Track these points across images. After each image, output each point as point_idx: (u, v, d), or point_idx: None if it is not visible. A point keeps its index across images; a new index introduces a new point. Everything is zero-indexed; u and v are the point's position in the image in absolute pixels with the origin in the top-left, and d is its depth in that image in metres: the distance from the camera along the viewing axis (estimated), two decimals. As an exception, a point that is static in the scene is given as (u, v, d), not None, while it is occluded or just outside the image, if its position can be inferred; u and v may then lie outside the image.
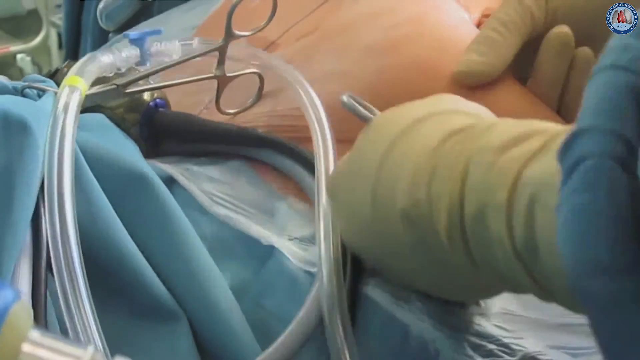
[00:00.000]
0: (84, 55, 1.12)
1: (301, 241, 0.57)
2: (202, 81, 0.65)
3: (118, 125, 0.63)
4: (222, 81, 0.66)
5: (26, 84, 0.59)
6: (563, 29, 0.62)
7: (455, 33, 0.65)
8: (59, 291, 0.46)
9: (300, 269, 0.55)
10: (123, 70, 0.62)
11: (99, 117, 0.62)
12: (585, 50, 0.63)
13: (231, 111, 0.67)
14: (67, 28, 1.18)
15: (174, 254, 0.54)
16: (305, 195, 0.60)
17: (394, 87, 0.61)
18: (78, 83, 0.55)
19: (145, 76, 0.62)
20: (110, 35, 1.07)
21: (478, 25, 0.69)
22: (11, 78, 0.62)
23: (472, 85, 0.62)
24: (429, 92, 0.51)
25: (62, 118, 0.51)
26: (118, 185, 0.55)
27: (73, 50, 1.18)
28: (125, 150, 0.59)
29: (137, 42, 0.63)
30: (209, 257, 0.55)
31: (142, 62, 0.63)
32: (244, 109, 0.67)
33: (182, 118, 0.65)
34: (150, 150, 0.65)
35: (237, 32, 0.64)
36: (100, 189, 0.54)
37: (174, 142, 0.66)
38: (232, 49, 0.65)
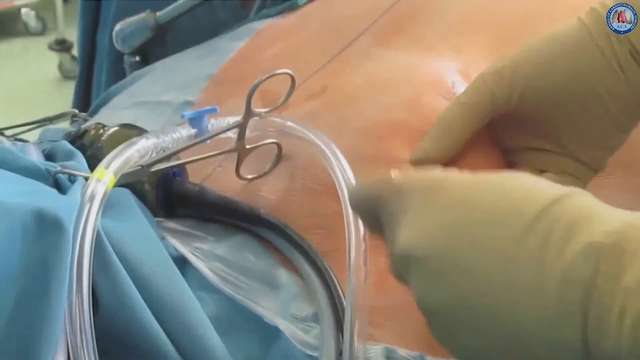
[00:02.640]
0: (98, 74, 1.16)
1: (304, 321, 0.60)
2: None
3: (137, 189, 0.67)
4: (242, 152, 0.69)
5: (59, 169, 0.62)
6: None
7: None
8: None
9: (304, 355, 0.59)
10: (170, 150, 0.65)
11: (124, 197, 0.65)
12: (550, 177, 0.63)
13: (249, 177, 0.70)
14: (82, 45, 1.20)
15: (189, 334, 0.58)
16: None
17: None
18: (104, 177, 0.58)
19: (169, 156, 0.65)
20: (125, 57, 1.10)
21: None
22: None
23: None
24: None
25: (86, 211, 0.53)
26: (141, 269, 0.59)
27: (88, 66, 1.21)
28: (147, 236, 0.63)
29: (194, 120, 0.66)
30: (217, 338, 0.59)
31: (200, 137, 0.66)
32: (260, 175, 0.70)
33: (197, 190, 0.68)
34: (166, 214, 0.69)
35: (256, 110, 0.67)
36: (126, 274, 0.57)
37: (188, 209, 0.69)
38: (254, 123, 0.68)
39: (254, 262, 0.64)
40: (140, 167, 0.64)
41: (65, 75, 3.15)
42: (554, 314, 0.40)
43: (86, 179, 0.58)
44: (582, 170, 0.66)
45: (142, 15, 1.05)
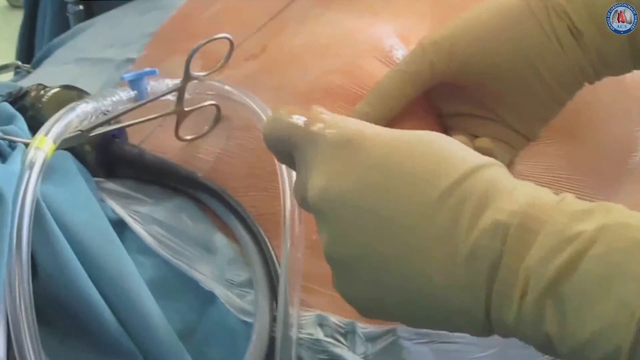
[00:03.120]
0: (41, 23, 1.15)
1: (240, 286, 0.63)
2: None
3: (77, 151, 0.68)
4: (181, 115, 0.70)
5: None
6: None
7: None
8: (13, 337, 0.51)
9: (238, 320, 0.61)
10: (110, 112, 0.66)
11: (64, 160, 0.66)
12: (482, 142, 0.67)
13: (188, 137, 0.72)
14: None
15: (126, 299, 0.60)
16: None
17: None
18: (44, 144, 0.59)
19: (109, 120, 0.66)
20: (69, 5, 1.10)
21: None
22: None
23: None
24: None
25: (25, 180, 0.54)
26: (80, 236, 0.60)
27: (32, 13, 1.20)
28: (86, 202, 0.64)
29: (134, 82, 0.68)
30: (154, 303, 0.61)
31: (140, 99, 0.68)
32: (199, 136, 0.72)
33: (136, 152, 0.70)
34: (106, 174, 0.70)
35: (195, 74, 0.68)
36: (65, 241, 0.58)
37: (128, 170, 0.71)
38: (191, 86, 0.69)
39: (192, 226, 0.66)
40: (80, 131, 0.65)
41: (12, 5, 3.09)
42: (461, 286, 0.44)
43: (26, 145, 0.60)
44: (516, 138, 0.68)
45: (85, -36, 1.05)
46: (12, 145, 0.63)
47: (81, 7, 1.09)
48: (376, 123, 0.64)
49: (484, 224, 0.43)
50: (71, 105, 0.63)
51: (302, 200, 0.51)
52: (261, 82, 0.72)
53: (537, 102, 0.66)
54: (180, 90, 0.69)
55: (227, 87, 0.69)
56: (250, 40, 0.79)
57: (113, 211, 0.67)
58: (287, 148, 0.52)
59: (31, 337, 0.51)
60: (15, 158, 0.61)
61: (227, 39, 0.68)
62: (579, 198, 0.44)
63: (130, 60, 0.83)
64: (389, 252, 0.46)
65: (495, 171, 0.46)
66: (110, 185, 0.69)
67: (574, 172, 0.72)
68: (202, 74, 0.69)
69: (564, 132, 0.73)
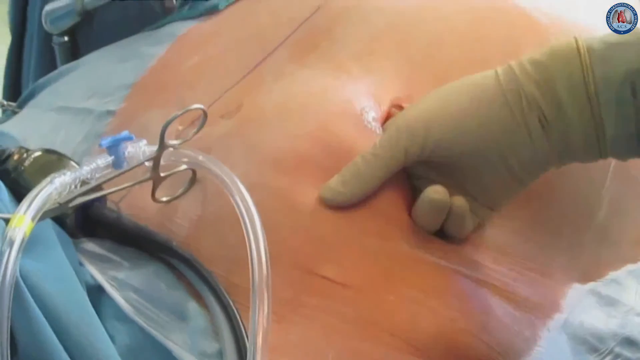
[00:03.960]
0: (28, 51, 1.17)
1: (211, 357, 0.65)
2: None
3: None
4: (157, 180, 0.73)
5: (-24, 210, 0.65)
6: (437, 192, 0.69)
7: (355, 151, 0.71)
8: None
9: None
10: (92, 181, 0.69)
11: (42, 230, 0.68)
12: (459, 201, 0.69)
13: (164, 199, 0.74)
14: (13, 17, 1.21)
15: None
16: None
17: None
18: (22, 224, 0.61)
19: (86, 192, 0.69)
20: (54, 37, 1.12)
21: (386, 119, 0.76)
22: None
23: None
24: None
25: (4, 261, 0.57)
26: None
27: (19, 39, 1.22)
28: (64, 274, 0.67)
29: (112, 149, 0.70)
30: None
31: (117, 166, 0.70)
32: (174, 198, 0.74)
33: (115, 217, 0.72)
34: (84, 235, 0.73)
35: (170, 142, 0.71)
36: (44, 320, 0.61)
37: (106, 232, 0.73)
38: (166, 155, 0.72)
39: (167, 292, 0.69)
40: (58, 204, 0.67)
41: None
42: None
43: (6, 221, 0.62)
44: (481, 209, 0.71)
45: (69, -1, 1.06)
46: (-7, 219, 0.65)
47: (66, 38, 1.10)
48: (349, 203, 0.67)
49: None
50: (49, 178, 0.66)
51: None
52: (234, 145, 0.75)
53: (501, 182, 0.69)
54: (155, 159, 0.71)
55: (200, 157, 0.71)
56: (226, 96, 0.81)
57: (92, 277, 0.69)
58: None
59: None
60: None
61: (201, 109, 0.71)
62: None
63: (110, 113, 0.85)
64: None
65: None
66: (89, 245, 0.72)
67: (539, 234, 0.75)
68: (176, 142, 0.71)
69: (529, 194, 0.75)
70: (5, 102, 0.96)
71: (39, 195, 0.63)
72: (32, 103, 0.97)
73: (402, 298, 0.68)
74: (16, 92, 1.20)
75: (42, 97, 0.96)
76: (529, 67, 0.67)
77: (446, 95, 0.69)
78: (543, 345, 0.71)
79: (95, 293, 0.68)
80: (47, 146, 0.79)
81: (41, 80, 1.00)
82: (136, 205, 0.75)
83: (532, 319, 0.72)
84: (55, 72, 1.01)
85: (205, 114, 0.71)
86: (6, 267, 0.57)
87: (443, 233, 0.72)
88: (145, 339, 0.67)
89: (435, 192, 0.69)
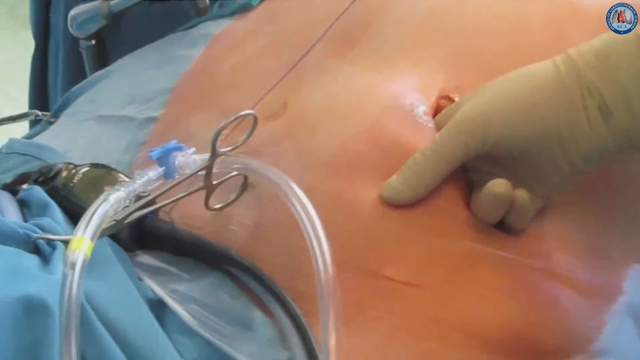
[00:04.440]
0: (54, 59, 1.16)
1: None
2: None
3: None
4: (210, 188, 0.72)
5: (38, 234, 0.64)
6: (500, 185, 0.67)
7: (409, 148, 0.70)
8: None
9: None
10: (146, 194, 0.68)
11: (100, 249, 0.67)
12: (522, 194, 0.68)
13: (217, 206, 0.73)
14: (35, 24, 1.20)
15: None
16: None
17: None
18: (82, 245, 0.60)
19: (140, 208, 0.68)
20: (81, 41, 1.11)
21: (436, 112, 0.75)
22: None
23: None
24: None
25: (68, 286, 0.56)
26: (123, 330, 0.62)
27: (43, 46, 1.21)
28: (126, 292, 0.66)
29: (162, 160, 0.69)
30: None
31: (169, 176, 0.69)
32: (227, 204, 0.73)
33: (169, 228, 0.71)
34: (140, 248, 0.72)
35: (221, 150, 0.70)
36: (111, 339, 0.60)
37: (161, 244, 0.72)
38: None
39: (230, 303, 0.68)
40: (114, 221, 0.67)
41: None
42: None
43: (65, 242, 0.62)
44: (536, 199, 0.70)
45: (95, 2, 1.05)
46: (51, 243, 0.65)
47: (93, 42, 1.09)
48: (411, 201, 0.66)
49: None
50: (104, 196, 0.64)
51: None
52: (285, 149, 0.74)
53: (559, 173, 0.68)
54: (207, 168, 0.70)
55: (255, 165, 0.70)
56: (269, 96, 0.80)
57: (152, 291, 0.69)
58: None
59: None
60: (56, 262, 0.62)
61: (252, 115, 0.70)
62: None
63: (151, 119, 0.84)
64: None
65: None
66: (145, 258, 0.71)
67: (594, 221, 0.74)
68: (227, 149, 0.70)
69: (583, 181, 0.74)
70: (40, 113, 0.95)
71: (96, 214, 0.62)
72: (67, 112, 0.96)
73: (470, 294, 0.67)
74: (43, 99, 1.20)
75: (78, 106, 0.95)
76: (589, 56, 0.65)
77: (504, 87, 0.68)
78: (610, 331, 0.70)
79: (158, 308, 0.67)
80: (89, 157, 0.79)
81: (75, 88, 0.99)
82: (188, 214, 0.74)
83: (597, 305, 0.71)
84: (89, 79, 1.00)
85: (256, 119, 0.70)
86: (70, 291, 0.56)
87: (500, 225, 0.71)
88: (213, 352, 0.66)
89: (499, 185, 0.67)
